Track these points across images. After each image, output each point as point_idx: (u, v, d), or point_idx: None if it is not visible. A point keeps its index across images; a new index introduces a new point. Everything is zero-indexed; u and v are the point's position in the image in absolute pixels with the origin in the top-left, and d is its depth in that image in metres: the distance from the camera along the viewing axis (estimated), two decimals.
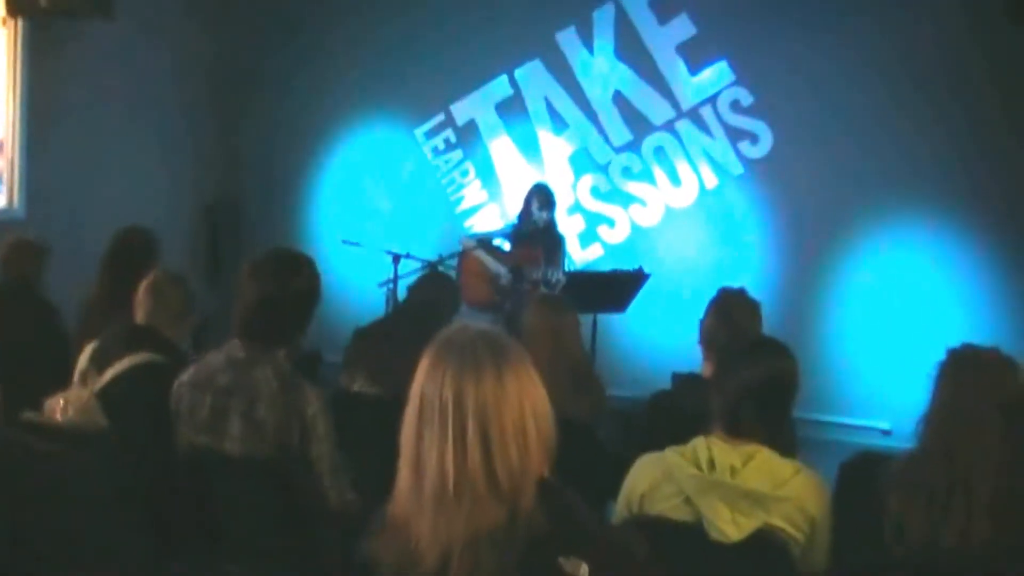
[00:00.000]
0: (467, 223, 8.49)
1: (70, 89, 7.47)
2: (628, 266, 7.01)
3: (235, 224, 9.01)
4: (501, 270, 7.09)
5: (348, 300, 7.49)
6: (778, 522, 2.73)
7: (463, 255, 7.17)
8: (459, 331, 2.02)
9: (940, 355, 2.85)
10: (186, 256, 8.30)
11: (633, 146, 8.15)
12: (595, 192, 8.26)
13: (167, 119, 8.42)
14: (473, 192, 8.59)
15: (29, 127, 7.23)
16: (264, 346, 3.27)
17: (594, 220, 8.25)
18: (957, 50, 7.20)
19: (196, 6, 8.62)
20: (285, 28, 8.85)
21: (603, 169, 8.23)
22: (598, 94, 8.21)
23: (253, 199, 9.04)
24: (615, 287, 6.90)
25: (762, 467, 2.77)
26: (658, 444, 2.95)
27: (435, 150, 8.66)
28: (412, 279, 5.47)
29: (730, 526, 2.71)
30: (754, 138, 7.85)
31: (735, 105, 7.88)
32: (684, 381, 4.09)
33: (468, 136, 8.56)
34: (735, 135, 7.89)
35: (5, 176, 7.21)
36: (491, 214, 8.48)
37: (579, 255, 8.18)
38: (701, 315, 4.12)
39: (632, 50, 8.09)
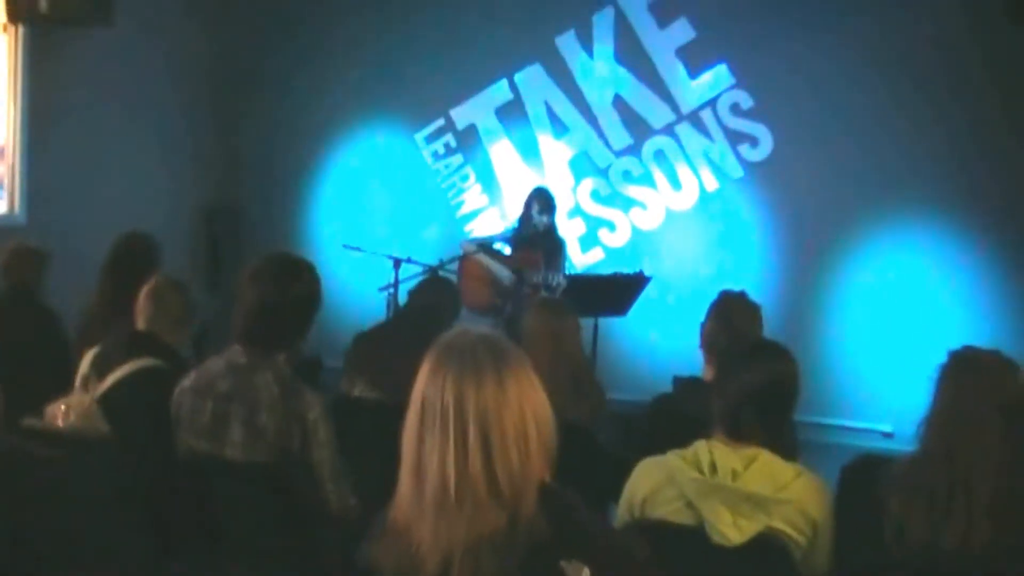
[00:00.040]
0: (467, 227, 8.49)
1: (70, 94, 7.47)
2: (629, 269, 7.01)
3: (235, 228, 9.01)
4: (503, 272, 7.09)
5: (349, 305, 7.50)
6: (780, 525, 2.73)
7: (463, 259, 7.17)
8: (460, 335, 2.02)
9: (941, 357, 2.85)
10: (186, 261, 8.30)
11: (633, 150, 8.15)
12: (595, 196, 8.26)
13: (167, 123, 8.42)
14: (473, 196, 8.59)
15: (30, 133, 7.24)
16: (265, 351, 3.27)
17: (595, 224, 8.25)
18: (957, 50, 7.20)
19: (196, 9, 8.62)
20: (284, 32, 8.85)
21: (603, 173, 8.23)
22: (598, 98, 8.22)
23: (253, 203, 9.04)
24: (616, 290, 6.90)
25: (763, 470, 2.76)
26: (659, 448, 2.95)
27: (435, 154, 8.66)
28: (413, 284, 5.47)
29: (732, 529, 2.71)
30: (754, 141, 7.85)
31: (735, 108, 7.88)
32: (685, 384, 4.09)
33: (468, 140, 8.56)
34: (735, 138, 7.89)
35: (6, 182, 7.21)
36: (491, 218, 8.48)
37: (580, 259, 8.18)
38: (702, 318, 4.12)
39: (632, 54, 8.10)
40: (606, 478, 3.27)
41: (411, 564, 1.94)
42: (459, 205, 8.61)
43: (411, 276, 6.66)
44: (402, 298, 6.34)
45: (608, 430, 4.19)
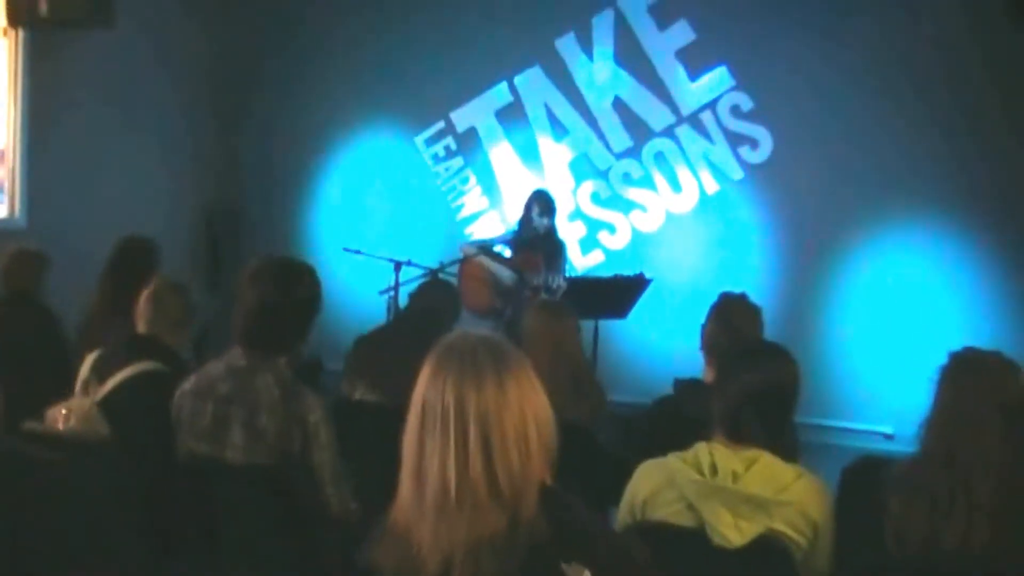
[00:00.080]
0: (468, 230, 8.49)
1: (70, 97, 7.49)
2: (629, 272, 7.00)
3: (235, 230, 9.01)
4: (504, 272, 7.08)
5: (349, 308, 7.49)
6: (780, 527, 2.73)
7: (464, 262, 7.17)
8: (460, 338, 2.03)
9: (942, 358, 2.85)
10: (186, 262, 8.31)
11: (633, 152, 8.16)
12: (595, 198, 8.26)
13: (167, 125, 8.44)
14: (474, 199, 8.59)
15: (30, 136, 7.25)
16: (265, 354, 3.27)
17: (595, 226, 8.26)
18: (957, 50, 7.21)
19: (196, 11, 8.63)
20: (285, 35, 8.86)
21: (603, 175, 8.23)
22: (598, 100, 8.22)
23: (253, 205, 9.04)
24: (616, 293, 6.90)
25: (764, 472, 2.76)
26: (660, 449, 2.95)
27: (435, 157, 8.67)
28: (413, 286, 5.47)
29: (732, 531, 2.70)
30: (754, 143, 7.86)
31: (735, 110, 7.88)
32: (686, 386, 4.08)
33: (468, 143, 8.57)
34: (735, 140, 7.90)
35: (6, 185, 7.22)
36: (492, 221, 8.48)
37: (580, 261, 8.18)
38: (702, 320, 4.12)
39: (632, 56, 8.10)
40: (606, 479, 3.27)
41: (412, 566, 1.94)
42: (459, 208, 8.62)
43: (411, 279, 6.66)
44: (402, 301, 6.34)
45: (609, 431, 4.19)
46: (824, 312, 7.64)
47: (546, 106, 8.34)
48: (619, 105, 8.16)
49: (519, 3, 8.25)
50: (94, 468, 3.10)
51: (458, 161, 8.61)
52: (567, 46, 8.26)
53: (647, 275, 6.85)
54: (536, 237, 7.10)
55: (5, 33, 7.07)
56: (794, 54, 7.60)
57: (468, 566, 1.89)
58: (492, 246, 7.35)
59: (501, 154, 8.50)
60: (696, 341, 4.12)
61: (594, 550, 1.93)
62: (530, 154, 8.40)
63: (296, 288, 3.30)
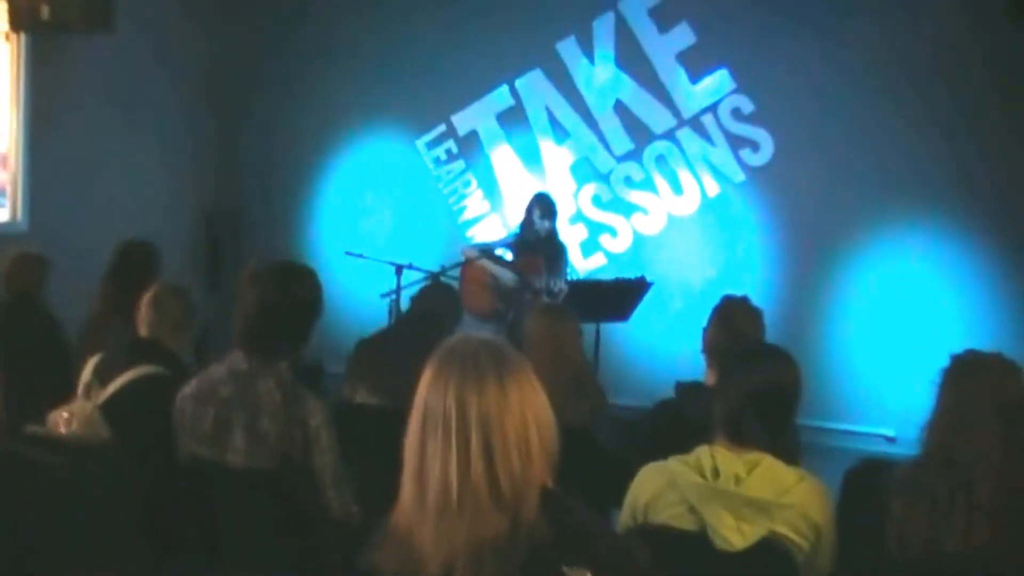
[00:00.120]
0: (469, 233, 8.49)
1: (71, 101, 7.50)
2: (631, 275, 7.00)
3: (235, 232, 9.02)
4: (506, 275, 7.09)
5: (351, 311, 7.49)
6: (783, 530, 2.73)
7: (465, 265, 7.17)
8: (461, 341, 2.03)
9: (943, 361, 2.85)
10: (187, 265, 8.31)
11: (634, 155, 8.16)
12: (597, 201, 8.26)
13: (167, 128, 8.45)
14: (475, 202, 8.60)
15: (31, 140, 7.26)
16: (266, 358, 3.26)
17: (596, 229, 8.26)
18: (957, 51, 7.21)
19: (196, 14, 8.64)
20: (285, 37, 8.86)
21: (605, 178, 8.24)
22: (599, 103, 8.22)
23: (254, 208, 9.05)
24: (618, 296, 6.90)
25: (766, 475, 2.76)
26: (662, 453, 2.95)
27: (437, 161, 8.67)
28: (415, 290, 5.47)
29: (735, 534, 2.70)
30: (755, 146, 7.86)
31: (736, 113, 7.89)
32: (687, 389, 4.08)
33: (470, 146, 8.57)
34: (736, 143, 7.90)
35: (8, 189, 7.23)
36: (493, 224, 8.48)
37: (581, 264, 8.18)
38: (704, 323, 4.12)
39: (632, 59, 8.10)
40: (608, 482, 3.26)
41: (413, 569, 1.94)
42: (461, 211, 8.62)
43: (413, 282, 6.67)
44: (404, 304, 6.34)
45: (610, 434, 4.19)
46: (826, 314, 7.64)
47: (547, 109, 8.35)
48: (620, 108, 8.16)
49: (520, 6, 8.26)
50: (95, 471, 3.10)
51: (459, 164, 8.62)
52: (568, 49, 8.26)
53: (648, 278, 6.85)
54: (537, 240, 7.10)
55: (7, 37, 7.08)
56: (795, 56, 7.60)
57: (470, 569, 1.89)
58: (493, 249, 7.35)
59: (502, 157, 8.50)
60: (698, 344, 4.12)
61: (595, 553, 1.93)
62: (531, 157, 8.40)
63: (296, 291, 3.30)
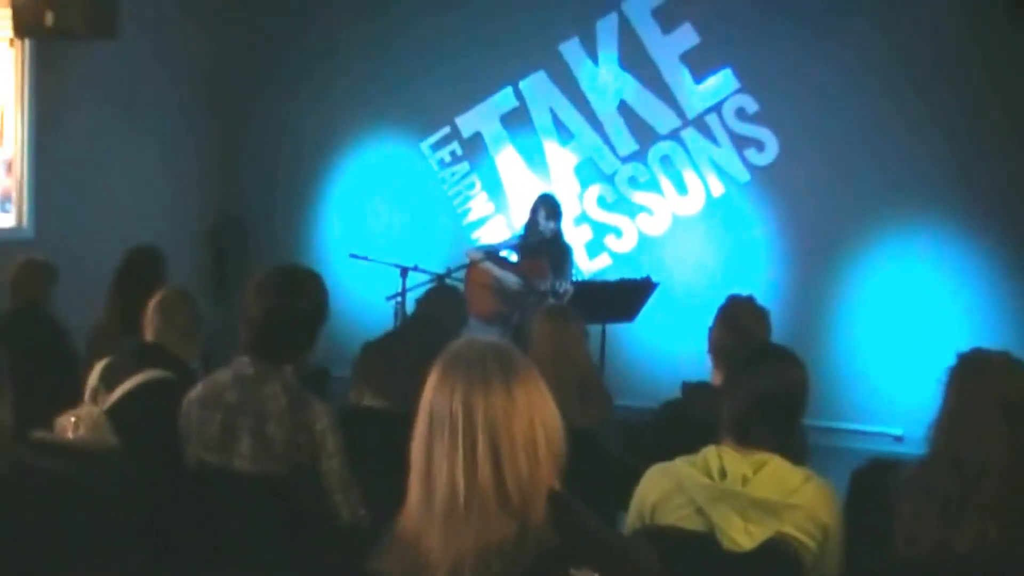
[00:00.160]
0: (474, 235, 8.50)
1: (76, 107, 7.51)
2: (636, 275, 7.00)
3: (241, 238, 9.02)
4: (510, 278, 7.08)
5: (356, 314, 7.48)
6: (790, 530, 2.72)
7: (470, 267, 7.16)
8: (467, 345, 2.02)
9: (951, 359, 2.84)
10: (192, 272, 8.31)
11: (639, 155, 8.16)
12: (602, 202, 8.26)
13: (172, 134, 8.46)
14: (480, 204, 8.60)
15: (37, 146, 7.27)
16: (272, 362, 3.26)
17: (601, 230, 8.26)
18: (957, 51, 7.20)
19: (200, 20, 8.65)
20: (289, 42, 8.87)
21: (609, 179, 8.24)
22: (603, 104, 8.22)
23: (259, 213, 9.05)
24: (623, 296, 6.90)
25: (773, 475, 2.76)
26: (668, 454, 2.94)
27: (441, 163, 8.67)
28: (420, 292, 5.47)
29: (742, 535, 2.70)
30: (760, 145, 7.85)
31: (740, 113, 7.88)
32: (694, 390, 4.08)
33: (474, 148, 8.57)
34: (741, 143, 7.89)
35: (14, 196, 7.24)
36: (498, 226, 8.48)
37: (587, 265, 8.18)
38: (710, 323, 4.11)
39: (636, 59, 8.10)
40: (614, 484, 3.26)
41: (420, 573, 1.94)
42: (465, 213, 8.62)
43: (418, 284, 6.66)
44: (410, 307, 6.34)
45: (616, 436, 4.19)
46: (832, 314, 7.63)
47: (551, 110, 8.35)
48: (624, 109, 8.16)
49: (523, 8, 8.26)
50: (102, 476, 3.10)
51: (464, 166, 8.62)
52: (572, 50, 8.26)
53: (654, 278, 6.84)
54: (542, 241, 7.10)
55: (11, 44, 7.09)
56: (799, 56, 7.60)
57: (477, 573, 1.89)
58: (498, 251, 7.35)
59: (507, 159, 8.50)
60: (703, 344, 4.11)
61: (603, 555, 1.93)
62: (536, 158, 8.40)
63: (302, 297, 3.29)
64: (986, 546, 2.55)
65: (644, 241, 8.16)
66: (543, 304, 6.06)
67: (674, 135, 8.06)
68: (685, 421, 3.78)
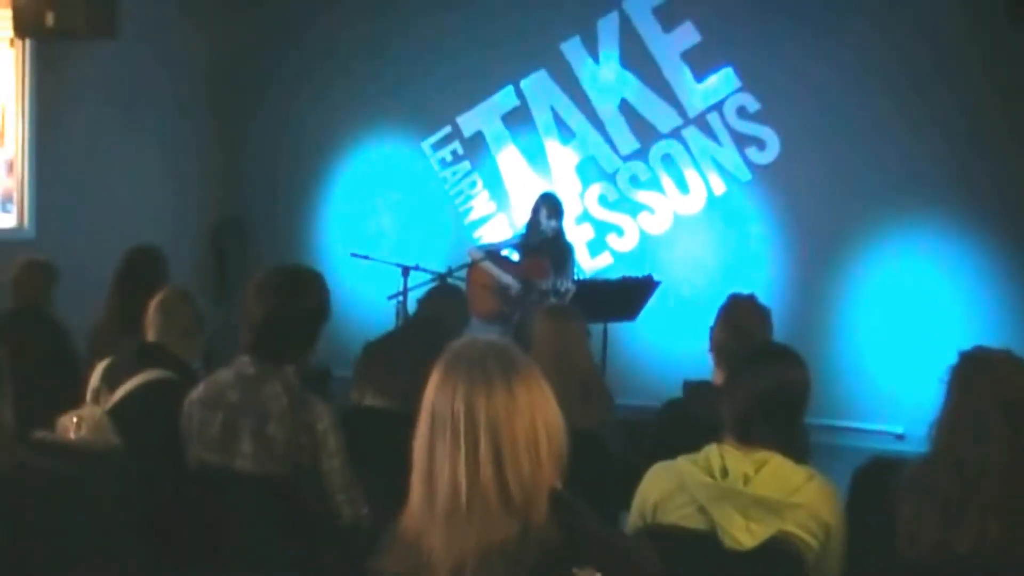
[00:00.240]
0: (476, 234, 8.50)
1: (77, 108, 7.52)
2: (637, 274, 7.00)
3: (242, 238, 9.02)
4: (510, 281, 7.08)
5: (357, 314, 7.49)
6: (792, 529, 2.72)
7: (471, 267, 7.16)
8: (469, 344, 2.02)
9: (952, 358, 2.84)
10: (193, 272, 8.31)
11: (640, 154, 8.15)
12: (603, 201, 8.26)
13: (172, 134, 8.46)
14: (481, 203, 8.60)
15: (37, 146, 7.27)
16: (273, 363, 3.26)
17: (603, 229, 8.25)
18: (957, 51, 7.20)
19: (200, 20, 8.65)
20: (289, 42, 8.87)
21: (611, 178, 8.23)
22: (604, 103, 8.22)
23: (259, 213, 9.06)
24: (625, 295, 6.89)
25: (775, 474, 2.76)
26: (670, 452, 2.94)
27: (442, 162, 8.67)
28: (422, 292, 5.47)
29: (744, 534, 2.70)
30: (761, 144, 7.85)
31: (741, 111, 7.88)
32: (695, 389, 4.07)
33: (475, 147, 8.57)
34: (742, 141, 7.89)
35: (15, 196, 7.24)
36: (499, 225, 8.48)
37: (588, 264, 8.18)
38: (711, 322, 4.11)
39: (637, 58, 8.10)
40: (616, 483, 3.26)
41: (422, 573, 1.94)
42: (467, 212, 8.62)
43: (420, 284, 6.65)
44: (411, 306, 6.34)
45: (618, 435, 4.19)
46: (834, 312, 7.63)
47: (552, 109, 8.34)
48: (625, 107, 8.16)
49: (524, 7, 8.25)
50: (104, 476, 3.10)
51: (465, 165, 8.62)
52: (573, 49, 8.26)
53: (655, 277, 6.84)
54: (544, 240, 7.10)
55: (12, 44, 7.09)
56: (800, 55, 7.60)
57: (479, 573, 1.88)
58: (500, 250, 7.35)
59: (508, 158, 8.50)
60: (705, 343, 4.11)
61: (605, 555, 1.93)
62: (537, 157, 8.40)
63: (303, 297, 3.29)
64: (986, 546, 2.55)
65: (645, 240, 8.16)
66: (544, 303, 6.07)
67: (675, 134, 8.06)
68: (687, 420, 3.78)
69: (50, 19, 6.52)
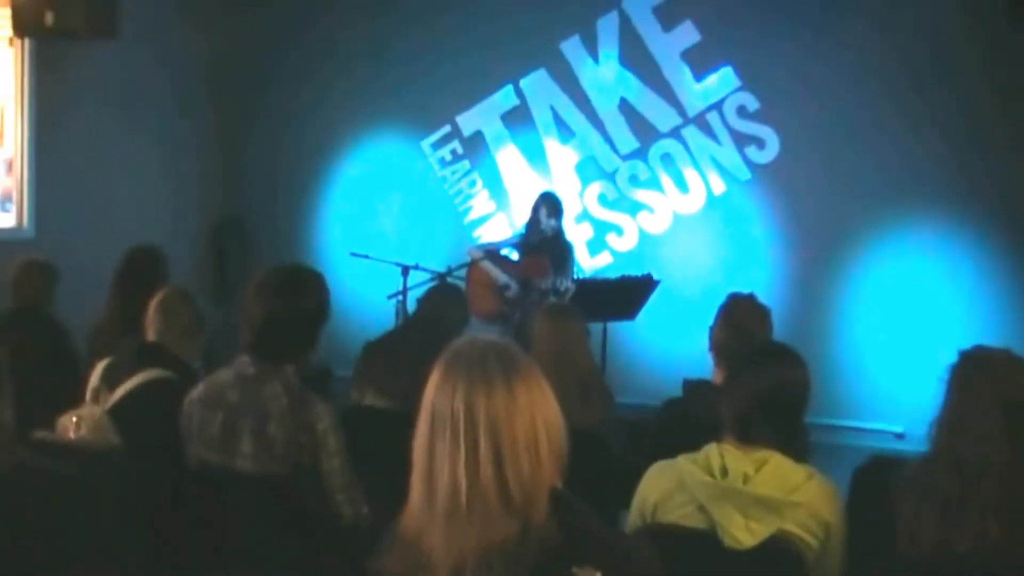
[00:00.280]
0: (475, 233, 8.50)
1: (76, 107, 7.52)
2: (637, 273, 6.99)
3: (242, 238, 9.02)
4: (508, 281, 7.08)
5: (357, 313, 7.48)
6: (792, 528, 2.72)
7: (471, 266, 7.17)
8: (468, 343, 2.02)
9: (952, 357, 2.84)
10: (193, 272, 8.31)
11: (640, 153, 8.15)
12: (603, 200, 8.26)
13: (172, 134, 8.46)
14: (481, 202, 8.60)
15: (37, 146, 7.28)
16: (273, 362, 3.26)
17: (602, 228, 8.25)
18: (957, 51, 7.20)
19: (199, 20, 8.65)
20: (289, 42, 8.87)
21: (610, 177, 8.23)
22: (604, 102, 8.22)
23: (260, 213, 9.06)
24: (624, 294, 6.89)
25: (775, 473, 2.76)
26: (670, 451, 2.94)
27: (442, 161, 8.67)
28: (421, 291, 5.47)
29: (744, 533, 2.70)
30: (761, 143, 7.85)
31: (741, 110, 7.88)
32: (695, 388, 4.08)
33: (475, 147, 8.57)
34: (742, 140, 7.89)
35: (14, 195, 7.25)
36: (499, 224, 8.48)
37: (588, 263, 8.18)
38: (711, 321, 4.11)
39: (637, 58, 8.10)
40: (616, 482, 3.26)
41: (422, 573, 1.94)
42: (466, 211, 8.62)
43: (420, 283, 6.66)
44: (411, 306, 6.34)
45: (617, 435, 4.19)
46: (834, 311, 7.62)
47: (552, 109, 8.34)
48: (625, 107, 8.16)
49: (524, 6, 8.25)
50: (104, 476, 3.10)
51: (465, 165, 8.62)
52: (572, 48, 8.26)
53: (655, 276, 6.84)
54: (544, 240, 7.10)
55: (11, 43, 7.09)
56: (799, 54, 7.60)
57: (479, 573, 1.88)
58: (499, 249, 7.35)
59: (508, 157, 8.50)
60: (705, 342, 4.11)
61: (605, 554, 1.92)
62: (536, 157, 8.40)
63: (303, 296, 3.29)
64: (986, 546, 2.55)
65: (645, 239, 8.16)
66: (544, 303, 6.07)
67: (675, 133, 8.06)
68: (686, 419, 3.78)
69: (49, 18, 6.52)
